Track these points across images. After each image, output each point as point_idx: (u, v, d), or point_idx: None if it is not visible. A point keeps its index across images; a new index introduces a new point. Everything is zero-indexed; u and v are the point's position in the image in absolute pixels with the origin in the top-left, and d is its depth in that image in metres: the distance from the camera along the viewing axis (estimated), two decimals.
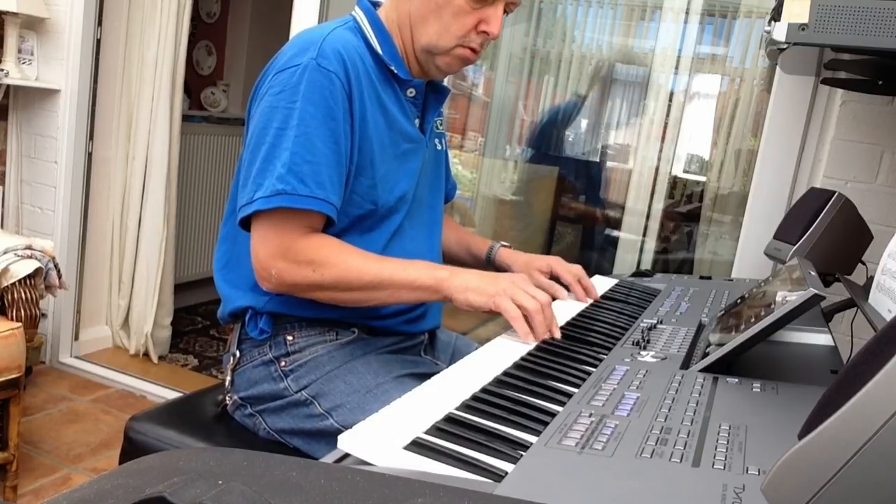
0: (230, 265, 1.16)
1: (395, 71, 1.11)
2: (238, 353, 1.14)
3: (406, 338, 1.19)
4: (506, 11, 1.10)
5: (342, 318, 1.11)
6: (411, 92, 1.14)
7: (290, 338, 1.10)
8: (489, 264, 1.40)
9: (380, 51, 1.10)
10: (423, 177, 1.20)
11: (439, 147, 1.29)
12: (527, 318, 0.95)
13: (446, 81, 1.25)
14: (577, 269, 1.29)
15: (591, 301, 1.25)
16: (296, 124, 1.00)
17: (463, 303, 0.99)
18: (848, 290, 1.09)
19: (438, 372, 0.81)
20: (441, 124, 1.30)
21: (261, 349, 1.12)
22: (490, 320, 2.60)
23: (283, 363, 1.10)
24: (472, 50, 1.10)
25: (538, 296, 0.96)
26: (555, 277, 1.29)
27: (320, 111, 1.01)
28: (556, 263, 1.31)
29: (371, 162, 1.08)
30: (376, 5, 1.16)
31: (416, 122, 1.17)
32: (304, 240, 1.02)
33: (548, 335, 0.95)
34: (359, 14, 1.14)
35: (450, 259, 1.44)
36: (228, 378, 1.15)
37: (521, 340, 0.94)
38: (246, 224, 1.04)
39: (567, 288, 1.26)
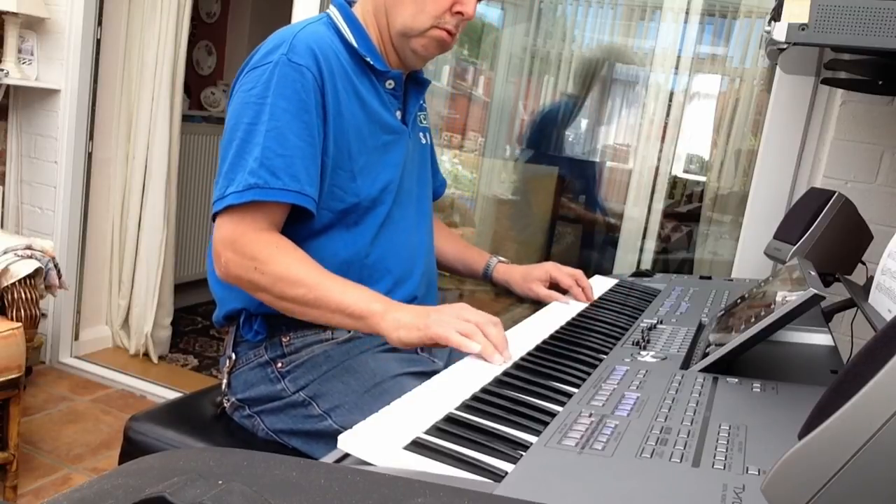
0: None
1: (372, 63, 1.12)
2: (234, 356, 1.14)
3: None
4: None
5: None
6: (390, 84, 1.16)
7: (285, 339, 1.10)
8: (486, 280, 1.40)
9: (355, 44, 1.12)
10: (408, 168, 1.21)
11: (424, 141, 1.30)
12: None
13: (431, 76, 1.26)
14: (575, 271, 1.30)
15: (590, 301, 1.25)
16: (266, 119, 1.01)
17: (395, 341, 0.93)
18: (848, 290, 1.09)
19: (436, 369, 0.81)
20: (424, 119, 1.31)
21: (256, 351, 1.12)
22: None
23: (279, 364, 1.10)
24: (448, 32, 1.12)
25: (473, 319, 0.89)
26: (554, 283, 1.30)
27: (293, 105, 1.02)
28: (554, 269, 1.31)
29: (349, 154, 1.09)
30: (350, 3, 1.19)
31: (398, 113, 1.18)
32: (255, 234, 1.00)
33: (497, 354, 0.86)
34: (332, 11, 1.17)
35: (448, 271, 1.45)
36: (225, 380, 1.15)
37: (520, 341, 0.94)
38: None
39: (565, 292, 1.28)
